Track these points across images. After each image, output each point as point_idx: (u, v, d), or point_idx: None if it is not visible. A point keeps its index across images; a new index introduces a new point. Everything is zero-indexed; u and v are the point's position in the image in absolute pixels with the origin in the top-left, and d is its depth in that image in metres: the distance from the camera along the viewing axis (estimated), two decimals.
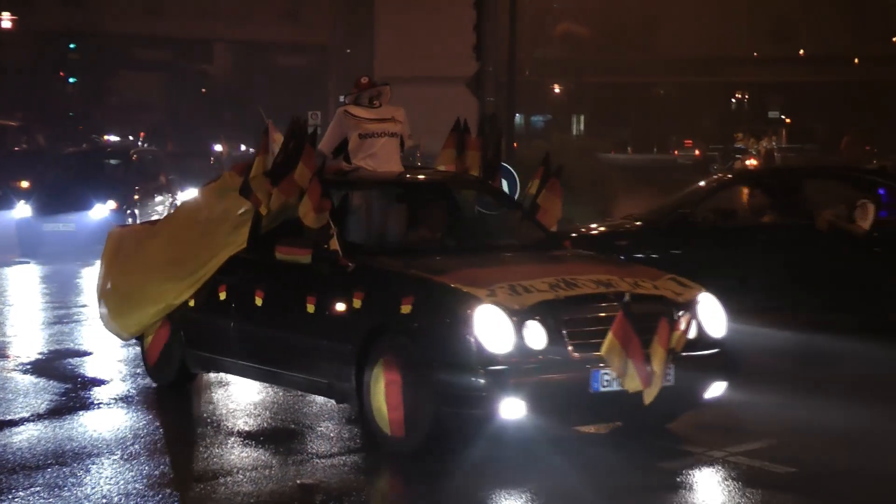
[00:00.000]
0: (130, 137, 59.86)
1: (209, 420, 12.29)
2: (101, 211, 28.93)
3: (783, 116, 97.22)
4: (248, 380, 12.74)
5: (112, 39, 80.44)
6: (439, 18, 66.55)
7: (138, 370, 14.01)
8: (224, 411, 12.82)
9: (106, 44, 79.19)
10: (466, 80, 30.05)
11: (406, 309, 9.98)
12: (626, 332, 9.45)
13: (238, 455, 10.87)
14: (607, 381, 9.66)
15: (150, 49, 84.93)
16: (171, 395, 13.19)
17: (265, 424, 12.08)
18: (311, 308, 10.99)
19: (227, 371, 12.81)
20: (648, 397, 9.63)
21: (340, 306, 10.72)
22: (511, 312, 9.60)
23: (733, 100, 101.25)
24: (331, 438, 11.54)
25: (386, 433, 10.26)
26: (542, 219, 12.44)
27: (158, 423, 12.17)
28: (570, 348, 9.72)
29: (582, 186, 28.02)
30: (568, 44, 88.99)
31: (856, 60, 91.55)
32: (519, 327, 9.56)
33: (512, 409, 9.45)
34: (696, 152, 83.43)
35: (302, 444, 11.36)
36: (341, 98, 14.35)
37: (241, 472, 10.25)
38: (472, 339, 9.50)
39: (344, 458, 10.82)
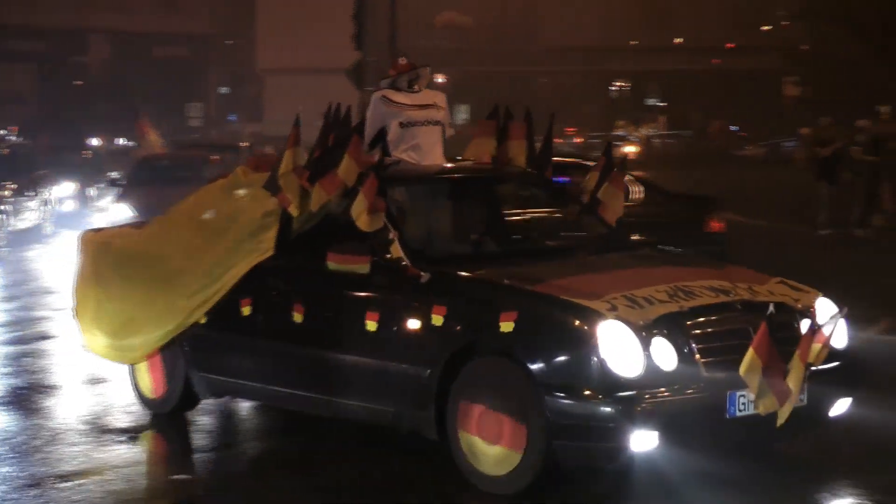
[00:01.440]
0: (2, 131, 58.69)
1: (85, 419, 11.36)
2: None
3: (661, 103, 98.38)
4: (280, 407, 10.92)
5: None
6: (320, 8, 65.92)
7: (9, 369, 13.06)
8: (99, 409, 11.88)
9: None
10: (346, 70, 29.87)
11: (507, 326, 8.40)
12: (769, 349, 8.05)
13: (113, 453, 10.12)
14: (744, 404, 8.27)
15: (22, 40, 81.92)
16: (43, 396, 12.07)
17: (141, 421, 11.22)
18: (371, 325, 9.32)
19: (250, 397, 11.15)
20: (782, 418, 8.21)
21: (413, 323, 9.11)
22: (637, 328, 8.15)
23: (613, 88, 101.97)
24: (209, 433, 10.92)
25: (481, 471, 8.66)
26: (604, 214, 10.81)
27: (29, 424, 11.28)
28: (701, 368, 8.27)
29: None
30: (450, 33, 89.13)
31: (728, 46, 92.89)
32: (646, 345, 8.11)
33: (644, 440, 7.98)
34: (578, 139, 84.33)
35: (179, 440, 10.89)
36: (381, 83, 10.97)
37: (114, 470, 9.61)
38: (597, 361, 8.02)
39: (220, 452, 10.38)
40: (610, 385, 8.01)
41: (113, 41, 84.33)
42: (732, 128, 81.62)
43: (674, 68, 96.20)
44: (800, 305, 9.15)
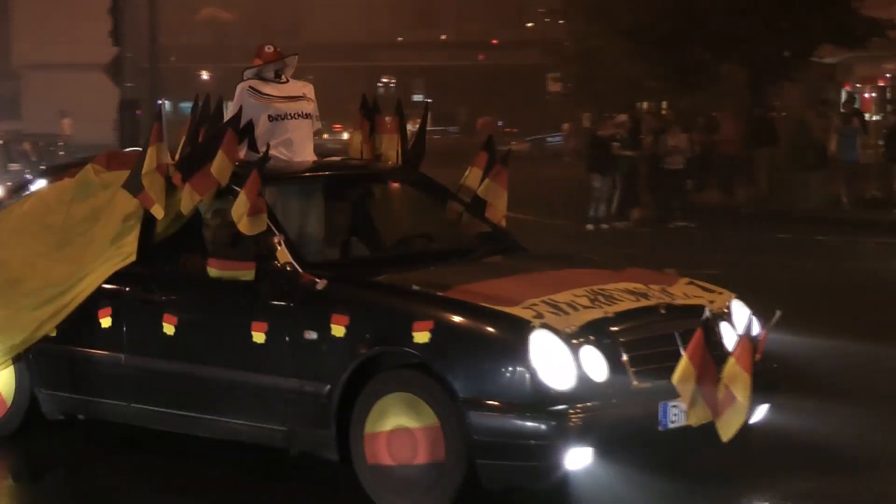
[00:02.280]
0: None
1: None
2: None
3: (427, 100, 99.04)
4: (149, 427, 9.53)
5: None
6: (78, 2, 64.93)
7: None
8: None
9: None
10: (104, 66, 29.58)
11: (422, 337, 7.65)
12: (703, 356, 7.53)
13: None
14: (676, 415, 7.71)
15: None
16: None
17: None
18: (259, 337, 8.46)
19: (109, 417, 9.65)
20: (728, 432, 7.66)
21: (309, 334, 8.25)
22: (565, 337, 7.52)
23: (380, 84, 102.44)
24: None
25: (393, 494, 7.93)
26: (490, 215, 10.17)
27: None
28: (632, 377, 7.68)
29: None
30: (212, 29, 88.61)
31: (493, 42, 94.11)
32: (576, 355, 7.48)
33: (578, 457, 7.36)
34: (346, 135, 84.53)
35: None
36: (245, 73, 10.05)
37: None
38: (527, 374, 7.37)
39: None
40: (541, 399, 7.38)
41: None
42: (499, 123, 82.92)
43: (439, 64, 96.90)
44: (715, 308, 8.53)
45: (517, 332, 7.56)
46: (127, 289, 9.31)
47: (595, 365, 7.55)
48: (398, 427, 7.83)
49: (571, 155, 55.61)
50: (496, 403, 7.46)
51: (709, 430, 7.70)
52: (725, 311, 8.67)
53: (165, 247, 9.32)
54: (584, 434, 7.40)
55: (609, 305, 8.10)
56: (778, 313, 8.05)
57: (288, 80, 10.04)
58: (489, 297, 7.97)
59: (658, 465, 8.20)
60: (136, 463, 9.62)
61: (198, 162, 8.95)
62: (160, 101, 9.30)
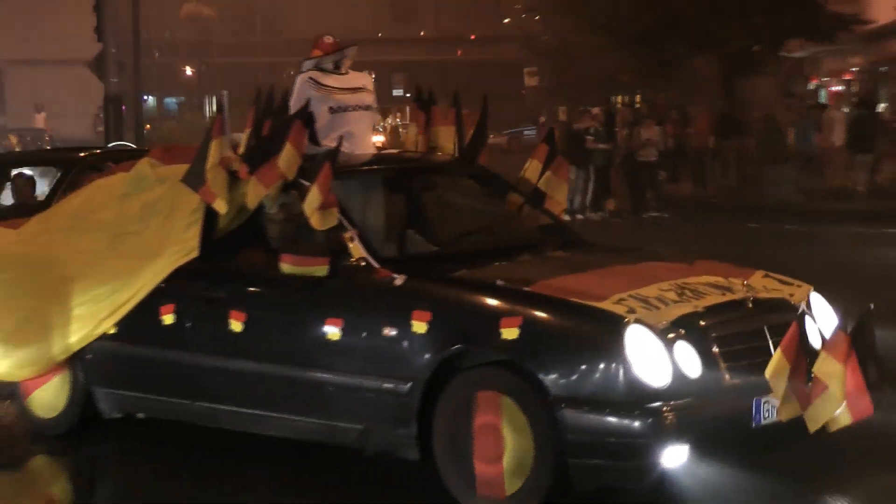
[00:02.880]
0: None
1: None
2: None
3: (407, 94, 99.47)
4: (214, 426, 9.04)
5: None
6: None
7: None
8: None
9: None
10: (88, 62, 29.95)
11: (510, 333, 7.23)
12: (797, 350, 7.24)
13: None
14: (768, 410, 7.38)
15: None
16: None
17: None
18: (334, 335, 8.05)
19: (171, 415, 9.22)
20: (817, 423, 7.32)
21: (388, 331, 7.81)
22: (659, 332, 7.18)
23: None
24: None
25: (470, 493, 7.54)
26: (549, 206, 9.82)
27: None
28: (724, 372, 7.31)
29: None
30: (195, 25, 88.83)
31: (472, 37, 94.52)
32: (670, 351, 7.13)
33: (675, 455, 7.01)
34: None
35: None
36: (304, 64, 9.46)
37: None
38: (623, 370, 7.00)
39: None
40: (638, 396, 7.01)
41: None
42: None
43: (419, 59, 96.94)
44: (794, 301, 8.25)
45: (611, 328, 7.19)
46: (190, 285, 8.84)
47: (688, 360, 7.18)
48: (484, 425, 7.44)
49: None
50: (590, 401, 7.08)
51: (798, 425, 7.34)
52: (805, 303, 8.30)
53: (229, 242, 8.91)
54: (680, 432, 7.03)
55: (697, 300, 7.75)
56: (871, 306, 7.68)
57: (347, 72, 9.54)
58: (575, 293, 7.57)
59: (750, 462, 7.81)
60: (180, 458, 9.22)
61: (264, 155, 8.47)
62: (224, 93, 8.74)
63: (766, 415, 7.38)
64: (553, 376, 7.14)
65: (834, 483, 8.23)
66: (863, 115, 32.52)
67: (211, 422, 8.94)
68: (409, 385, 7.67)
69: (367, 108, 9.49)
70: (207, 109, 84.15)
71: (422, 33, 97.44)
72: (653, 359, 7.07)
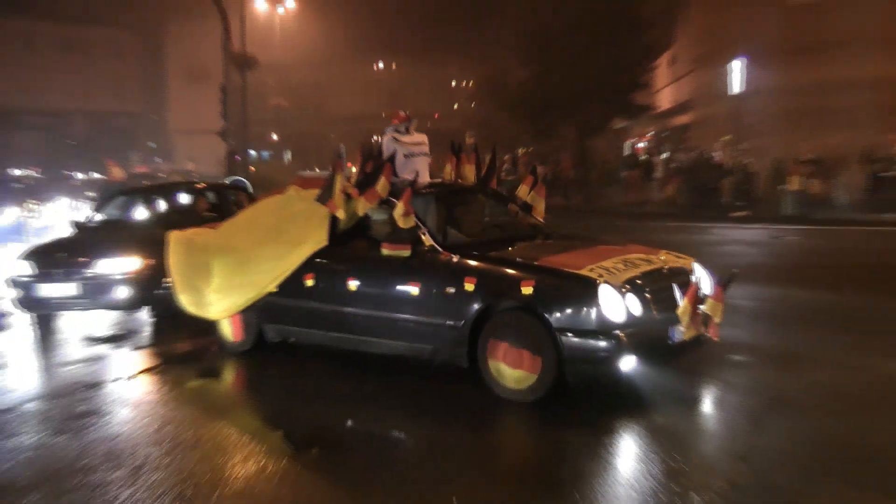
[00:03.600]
0: (28, 171, 55.78)
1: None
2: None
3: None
4: (337, 347, 8.95)
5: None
6: (205, 92, 64.91)
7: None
8: None
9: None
10: (217, 131, 29.97)
11: (527, 290, 7.32)
12: (695, 298, 7.35)
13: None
14: (678, 334, 7.39)
15: (35, 116, 76.82)
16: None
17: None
18: (414, 292, 8.05)
19: (310, 340, 9.21)
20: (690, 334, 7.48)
21: (450, 289, 7.81)
22: (618, 289, 7.20)
23: (373, 139, 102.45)
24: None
25: (505, 385, 7.54)
26: (534, 213, 9.94)
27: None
28: (654, 312, 7.35)
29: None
30: (277, 110, 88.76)
31: (436, 115, 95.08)
32: (624, 300, 7.17)
33: (628, 363, 7.08)
34: (354, 169, 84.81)
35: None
36: (388, 129, 9.63)
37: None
38: (598, 312, 7.04)
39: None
40: (607, 327, 7.02)
41: (88, 117, 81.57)
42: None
43: None
44: (689, 267, 8.32)
45: (590, 287, 7.17)
46: (322, 262, 8.80)
47: (634, 306, 7.22)
48: (510, 345, 7.45)
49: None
50: (578, 330, 7.10)
51: (693, 341, 7.57)
52: (691, 268, 8.32)
53: (343, 237, 8.85)
54: (631, 348, 7.06)
55: (635, 268, 7.70)
56: (735, 271, 7.85)
57: (413, 133, 9.54)
58: (563, 265, 7.57)
59: (667, 364, 7.88)
60: (321, 371, 8.94)
61: (368, 183, 8.56)
62: (341, 146, 8.65)
63: (677, 336, 7.40)
64: (555, 315, 7.16)
65: (710, 373, 8.27)
66: (652, 160, 33.07)
67: (336, 344, 8.84)
68: (462, 322, 7.64)
69: (426, 154, 9.53)
70: (284, 158, 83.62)
71: (407, 112, 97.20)
72: (614, 305, 7.09)
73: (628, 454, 6.50)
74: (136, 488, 5.95)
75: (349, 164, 9.64)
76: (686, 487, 5.73)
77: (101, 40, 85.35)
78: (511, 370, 7.48)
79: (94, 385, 8.69)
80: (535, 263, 7.67)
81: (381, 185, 8.52)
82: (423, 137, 9.56)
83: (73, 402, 8.11)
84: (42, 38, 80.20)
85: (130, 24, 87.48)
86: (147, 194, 14.15)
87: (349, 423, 7.27)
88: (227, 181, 20.43)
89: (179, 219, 12.36)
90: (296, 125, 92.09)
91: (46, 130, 78.66)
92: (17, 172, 46.26)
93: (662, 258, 8.32)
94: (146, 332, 11.43)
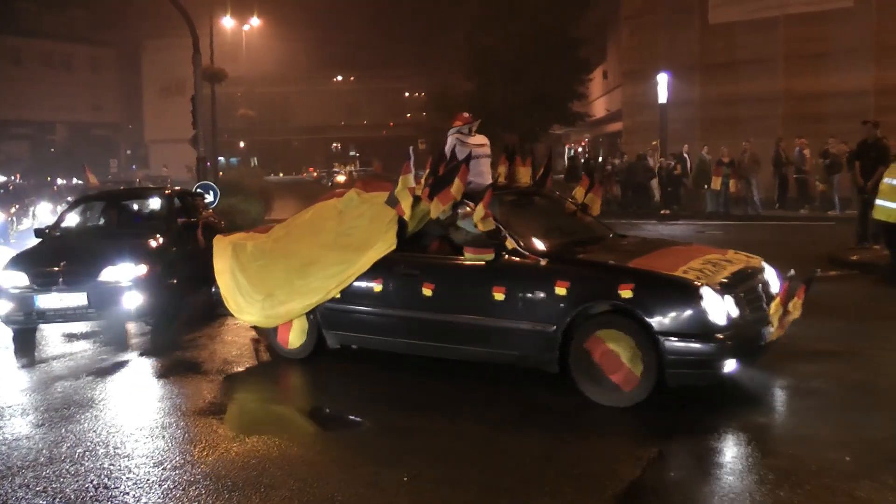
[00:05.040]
0: (11, 178, 54.34)
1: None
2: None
3: (355, 154, 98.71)
4: (409, 353, 7.86)
5: None
6: (179, 102, 64.02)
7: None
8: None
9: None
10: (189, 139, 29.45)
11: (626, 293, 6.44)
12: (785, 298, 6.75)
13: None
14: (768, 334, 6.64)
15: (20, 127, 76.11)
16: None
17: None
18: (499, 296, 7.02)
19: (378, 347, 8.03)
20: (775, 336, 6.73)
21: (539, 294, 6.85)
22: (717, 291, 6.42)
23: (333, 147, 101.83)
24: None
25: (601, 390, 6.63)
26: (591, 212, 8.92)
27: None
28: (747, 313, 6.62)
29: (255, 194, 27.48)
30: (244, 119, 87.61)
31: (391, 124, 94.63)
32: (723, 301, 6.41)
33: (730, 365, 6.33)
34: (315, 174, 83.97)
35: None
36: (451, 130, 8.28)
37: None
38: (701, 315, 6.25)
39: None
40: (710, 330, 6.24)
41: (69, 127, 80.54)
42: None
43: (363, 136, 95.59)
44: (758, 266, 7.52)
45: (693, 290, 6.34)
46: (393, 266, 7.70)
47: (730, 307, 6.43)
48: (607, 349, 6.58)
49: None
50: (680, 333, 6.29)
51: (776, 341, 6.80)
52: (762, 267, 7.53)
53: (413, 240, 7.87)
54: (734, 351, 6.32)
55: (723, 269, 6.93)
56: (791, 271, 7.00)
57: (475, 134, 8.44)
58: (656, 267, 6.75)
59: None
60: (383, 378, 7.73)
61: (442, 185, 7.47)
62: (410, 148, 7.85)
63: (767, 337, 6.64)
64: (657, 319, 6.32)
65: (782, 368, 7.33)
66: (590, 163, 33.07)
67: (407, 350, 7.78)
68: (554, 327, 6.74)
69: (488, 156, 8.41)
70: (252, 163, 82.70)
71: (364, 122, 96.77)
72: (716, 307, 6.30)
73: (740, 457, 5.57)
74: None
75: (378, 167, 8.40)
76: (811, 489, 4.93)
77: (82, 56, 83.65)
78: (608, 375, 6.57)
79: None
80: (630, 266, 6.79)
81: (456, 187, 7.41)
82: (484, 139, 8.52)
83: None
84: (27, 54, 78.25)
85: (109, 41, 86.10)
86: (109, 200, 12.47)
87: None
88: (196, 186, 19.75)
89: (152, 224, 11.55)
90: (262, 133, 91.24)
91: (31, 140, 77.41)
92: (1, 178, 45.16)
93: (740, 257, 7.52)
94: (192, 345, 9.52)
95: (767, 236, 19.18)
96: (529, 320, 6.87)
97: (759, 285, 7.04)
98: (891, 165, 11.43)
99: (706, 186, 25.38)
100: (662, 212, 26.30)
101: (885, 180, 11.29)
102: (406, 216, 7.67)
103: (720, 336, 6.25)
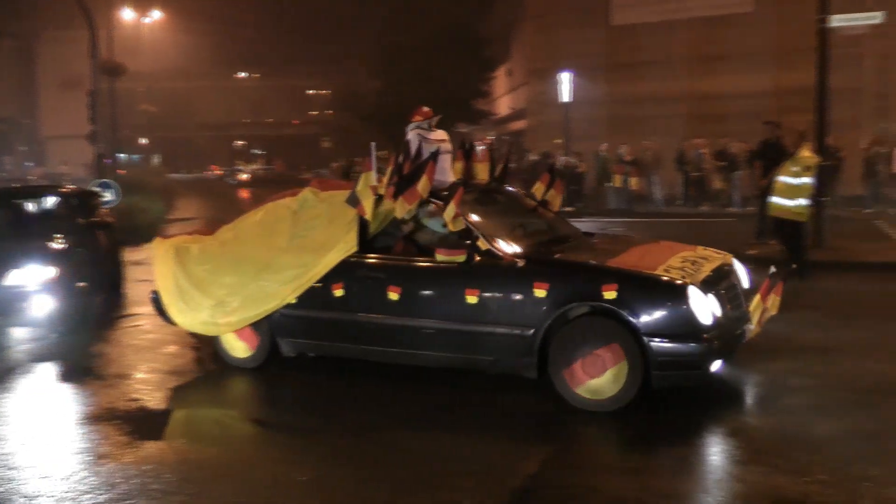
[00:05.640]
0: None
1: None
2: None
3: (257, 152, 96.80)
4: (372, 360, 7.35)
5: None
6: (78, 97, 62.15)
7: None
8: None
9: None
10: (86, 135, 28.45)
11: (610, 294, 6.12)
12: (765, 295, 6.62)
13: None
14: (749, 332, 6.55)
15: None
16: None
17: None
18: (472, 299, 6.60)
19: (338, 354, 7.51)
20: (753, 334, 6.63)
21: (517, 296, 6.46)
22: (702, 290, 6.18)
23: (235, 143, 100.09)
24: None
25: (585, 398, 6.31)
26: (551, 208, 8.49)
27: None
28: (728, 311, 6.43)
29: (156, 192, 26.69)
30: (146, 115, 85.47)
31: (295, 122, 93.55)
32: (707, 300, 6.17)
33: (716, 366, 6.14)
34: (218, 172, 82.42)
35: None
36: (410, 125, 7.85)
37: None
38: (687, 315, 6.00)
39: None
40: (697, 330, 5.99)
41: None
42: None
43: (267, 134, 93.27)
44: (729, 262, 7.30)
45: (679, 289, 6.08)
46: (355, 269, 7.15)
47: (714, 305, 6.21)
48: (589, 352, 6.25)
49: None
50: (668, 334, 6.01)
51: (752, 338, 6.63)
52: (731, 263, 7.32)
53: (375, 244, 7.34)
54: (720, 351, 6.10)
55: (702, 267, 6.65)
56: (773, 268, 6.85)
57: (435, 129, 8.00)
58: (635, 267, 6.44)
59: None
60: (320, 379, 7.42)
61: (408, 183, 7.00)
62: (372, 144, 7.21)
63: (746, 334, 6.52)
64: (642, 320, 6.01)
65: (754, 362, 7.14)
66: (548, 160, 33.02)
67: (370, 357, 7.23)
68: (532, 330, 6.35)
69: (449, 152, 7.98)
70: (155, 161, 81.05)
71: (269, 120, 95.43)
72: (702, 306, 6.04)
73: (734, 463, 5.33)
74: None
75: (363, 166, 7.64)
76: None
77: None
78: (591, 379, 6.25)
79: None
80: (610, 266, 6.45)
81: (423, 185, 6.93)
82: (445, 134, 8.07)
83: None
84: None
85: (2, 32, 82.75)
86: (3, 199, 11.76)
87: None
88: (93, 184, 18.76)
89: (53, 224, 10.87)
90: (164, 130, 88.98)
91: None
92: None
93: (713, 254, 7.26)
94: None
95: (669, 232, 19.29)
96: (506, 324, 6.49)
97: (736, 282, 6.89)
98: (784, 164, 11.54)
99: (608, 184, 25.64)
100: (566, 209, 26.40)
101: (781, 178, 11.40)
102: (368, 216, 7.18)
103: (707, 336, 6.04)
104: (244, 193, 47.07)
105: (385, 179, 7.19)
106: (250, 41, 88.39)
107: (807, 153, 11.39)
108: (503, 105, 47.10)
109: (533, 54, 34.71)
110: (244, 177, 63.52)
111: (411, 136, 7.76)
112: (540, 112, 33.52)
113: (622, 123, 29.87)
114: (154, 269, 8.07)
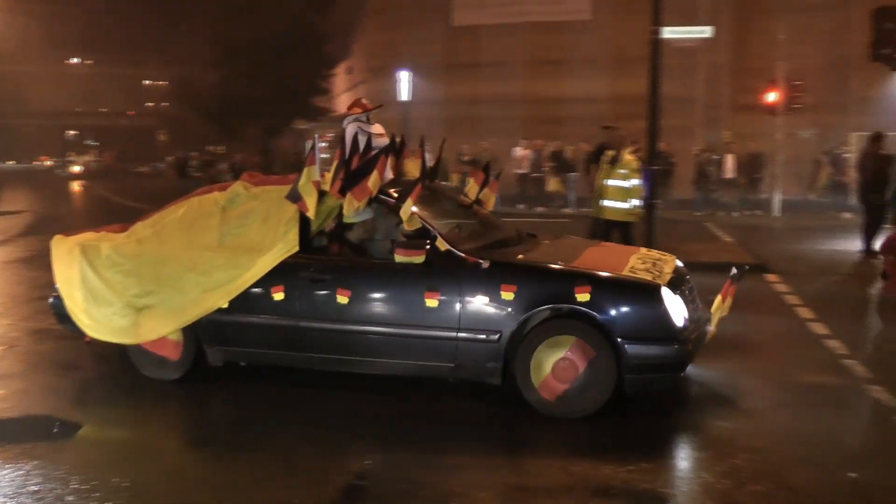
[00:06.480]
0: None
1: None
2: None
3: (90, 142, 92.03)
4: (316, 368, 6.62)
5: None
6: None
7: None
8: None
9: None
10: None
11: (583, 297, 5.76)
12: (724, 295, 6.31)
13: None
14: (709, 332, 6.33)
15: None
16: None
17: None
18: (431, 303, 6.07)
19: (276, 363, 6.68)
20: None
21: (482, 299, 5.97)
22: (672, 290, 5.96)
23: (67, 133, 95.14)
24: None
25: (548, 400, 5.93)
26: (485, 207, 7.90)
27: None
28: (692, 312, 6.18)
29: None
30: None
31: (129, 113, 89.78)
32: (677, 301, 5.94)
33: (688, 367, 5.97)
34: (48, 163, 78.16)
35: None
36: (349, 117, 7.44)
37: None
38: (662, 317, 5.75)
39: None
40: (672, 332, 5.74)
41: None
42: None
43: (101, 124, 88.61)
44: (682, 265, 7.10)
45: (651, 290, 5.83)
46: (297, 271, 6.40)
47: (682, 307, 5.97)
48: (562, 359, 5.88)
49: (168, 173, 52.71)
50: (643, 337, 5.73)
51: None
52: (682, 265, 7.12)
53: (318, 243, 6.71)
54: (693, 353, 5.93)
55: (663, 268, 6.44)
56: (734, 269, 6.58)
57: (374, 123, 7.56)
58: (600, 268, 6.09)
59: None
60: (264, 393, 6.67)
61: (356, 178, 6.35)
62: (316, 136, 6.20)
63: (707, 336, 6.31)
64: (616, 323, 5.69)
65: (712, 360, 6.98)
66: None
67: (314, 365, 6.50)
68: (498, 335, 5.89)
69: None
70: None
71: (104, 109, 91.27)
72: (674, 307, 5.79)
73: (716, 468, 5.15)
74: None
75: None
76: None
77: None
78: (562, 385, 5.85)
79: None
80: (574, 269, 6.05)
81: (373, 181, 6.30)
82: (382, 128, 7.52)
83: None
84: None
85: None
86: None
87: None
88: None
89: None
90: None
91: None
92: None
93: (663, 255, 7.05)
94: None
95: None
96: (469, 328, 5.96)
97: (692, 284, 6.70)
98: (603, 167, 11.32)
99: (445, 183, 25.22)
100: None
101: (611, 182, 11.19)
102: (310, 213, 6.37)
103: (680, 337, 5.77)
104: (76, 186, 44.31)
105: (330, 175, 6.49)
106: (83, 24, 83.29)
107: (629, 156, 11.28)
108: (343, 103, 46.20)
109: (373, 52, 34.19)
110: (77, 169, 59.69)
111: (349, 129, 7.21)
112: (380, 109, 32.81)
113: (461, 123, 29.66)
114: (55, 271, 6.98)
